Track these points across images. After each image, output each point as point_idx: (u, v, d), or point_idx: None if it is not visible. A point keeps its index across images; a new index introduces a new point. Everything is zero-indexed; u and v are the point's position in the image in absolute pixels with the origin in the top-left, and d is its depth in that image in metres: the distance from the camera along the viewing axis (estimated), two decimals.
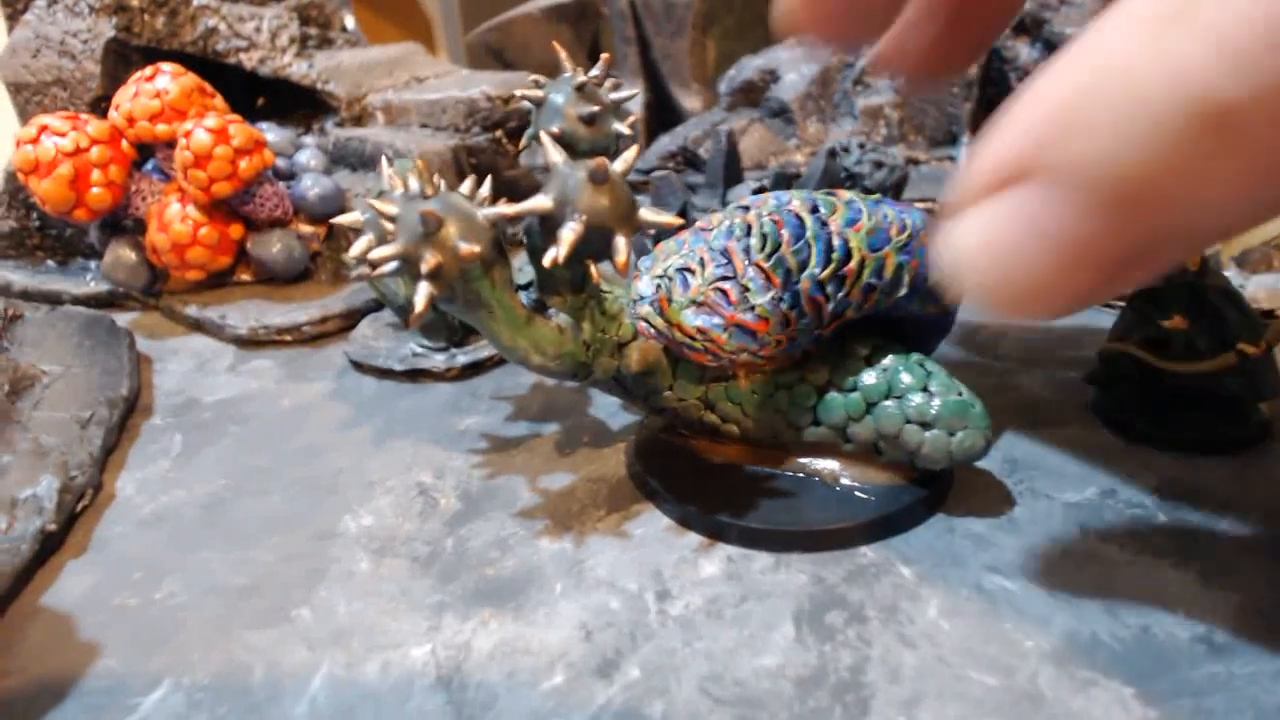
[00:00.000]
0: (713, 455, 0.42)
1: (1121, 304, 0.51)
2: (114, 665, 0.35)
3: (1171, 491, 0.39)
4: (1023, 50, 0.79)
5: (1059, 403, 0.47)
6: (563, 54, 0.44)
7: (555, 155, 0.33)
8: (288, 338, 0.60)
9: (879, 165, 0.62)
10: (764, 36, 1.01)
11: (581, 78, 0.43)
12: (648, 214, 0.34)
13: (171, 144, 0.60)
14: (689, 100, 0.97)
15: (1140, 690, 0.30)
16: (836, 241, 0.36)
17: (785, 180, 0.58)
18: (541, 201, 0.33)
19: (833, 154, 0.58)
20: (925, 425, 0.37)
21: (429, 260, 0.32)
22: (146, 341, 0.62)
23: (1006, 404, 0.47)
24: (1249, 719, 0.28)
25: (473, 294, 0.34)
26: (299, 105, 0.78)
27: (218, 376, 0.57)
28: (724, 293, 0.36)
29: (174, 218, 0.60)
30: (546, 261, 0.32)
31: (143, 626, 0.37)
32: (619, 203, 0.33)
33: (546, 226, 0.34)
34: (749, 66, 0.84)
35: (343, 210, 0.65)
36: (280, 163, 0.65)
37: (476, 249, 0.32)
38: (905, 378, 0.38)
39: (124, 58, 0.72)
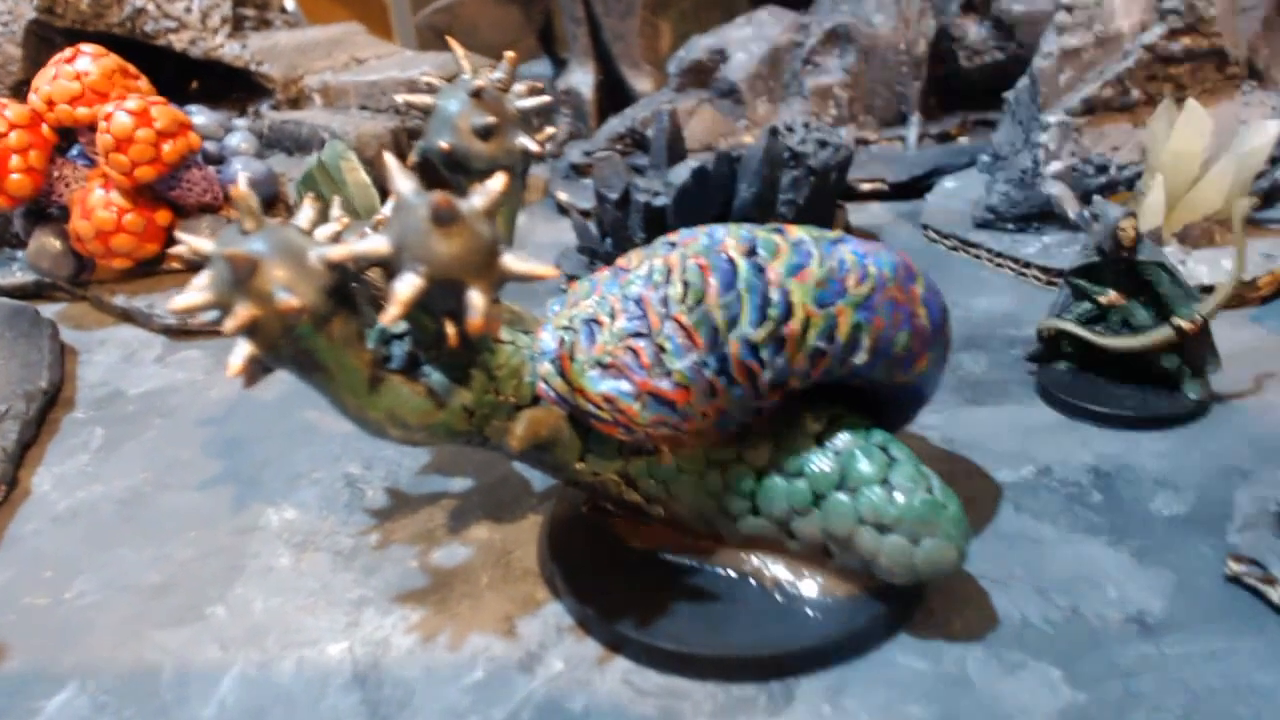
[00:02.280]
0: (635, 540, 0.35)
1: (1059, 281, 0.51)
2: (18, 667, 0.33)
3: (1107, 469, 0.39)
4: (971, 29, 0.79)
5: (998, 381, 0.47)
6: (458, 50, 0.38)
7: (400, 183, 0.26)
8: (219, 328, 0.58)
9: (823, 145, 0.61)
10: (721, 20, 0.99)
11: (479, 82, 0.36)
12: (513, 263, 0.27)
13: (93, 128, 0.58)
14: (640, 82, 0.96)
15: (1068, 672, 0.29)
16: (775, 294, 0.29)
17: (727, 161, 0.57)
18: (377, 244, 0.26)
19: (774, 133, 0.57)
20: (882, 529, 0.29)
21: (239, 314, 0.25)
22: (73, 333, 0.60)
23: (947, 384, 0.47)
24: (1180, 701, 0.28)
25: (303, 354, 0.27)
26: (233, 88, 0.76)
27: (144, 368, 0.55)
28: (635, 352, 0.29)
29: (97, 204, 0.58)
30: (382, 321, 0.26)
31: (51, 627, 0.35)
32: (471, 250, 0.26)
33: (387, 275, 0.27)
34: (698, 46, 0.83)
35: (276, 196, 0.63)
36: (210, 146, 0.63)
37: (297, 302, 0.25)
38: (863, 465, 0.30)
39: (47, 40, 0.69)
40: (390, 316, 0.26)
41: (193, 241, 0.27)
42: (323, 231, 0.29)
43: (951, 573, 0.30)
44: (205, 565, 0.38)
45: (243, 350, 0.26)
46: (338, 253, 0.26)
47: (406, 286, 0.26)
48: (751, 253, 0.30)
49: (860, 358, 0.30)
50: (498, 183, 0.27)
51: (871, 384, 0.32)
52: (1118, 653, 0.30)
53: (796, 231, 0.31)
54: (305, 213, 0.29)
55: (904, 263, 0.31)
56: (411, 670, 0.32)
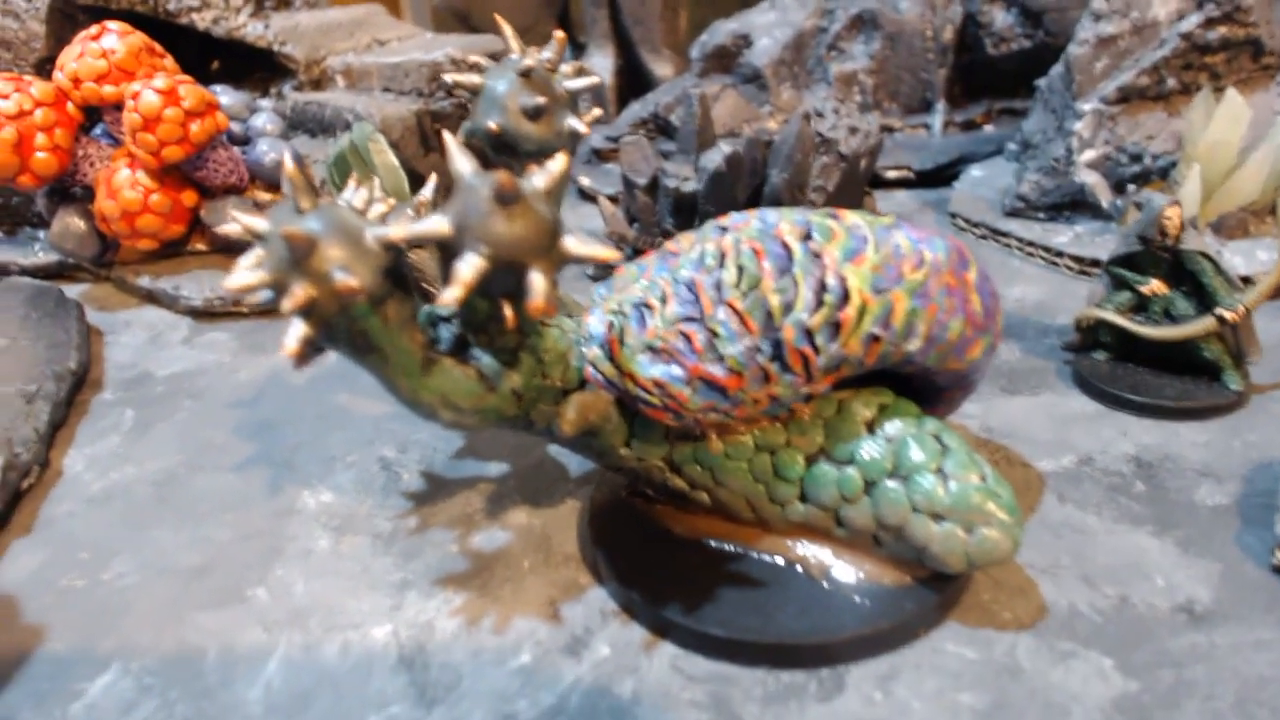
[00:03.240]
0: (678, 526, 0.34)
1: (1097, 270, 0.50)
2: (60, 649, 0.33)
3: (1149, 459, 0.39)
4: (998, 15, 0.78)
5: (1036, 370, 0.46)
6: (507, 30, 0.37)
7: (460, 164, 0.26)
8: (245, 309, 0.58)
9: (854, 130, 0.60)
10: (740, 5, 0.99)
11: (528, 62, 0.35)
12: (574, 245, 0.26)
13: (119, 106, 0.58)
14: (660, 67, 0.95)
15: (1120, 661, 0.29)
16: (831, 279, 0.28)
17: (759, 146, 0.56)
18: (438, 225, 0.25)
19: (807, 118, 0.57)
20: (936, 517, 0.29)
21: (296, 294, 0.25)
22: (98, 314, 0.60)
23: None
24: (1232, 690, 0.28)
25: (359, 335, 0.27)
26: (255, 68, 0.75)
27: (172, 349, 0.55)
28: (687, 337, 0.29)
29: (123, 184, 0.58)
30: (441, 302, 0.25)
31: (90, 608, 0.35)
32: (534, 231, 0.25)
33: (444, 256, 0.26)
34: (721, 31, 0.83)
35: None
36: (235, 127, 0.62)
37: (355, 281, 0.25)
38: (915, 453, 0.30)
39: (70, 17, 0.69)
40: (451, 298, 0.25)
41: (246, 220, 0.26)
42: (371, 212, 0.28)
43: (1006, 561, 0.29)
44: (244, 547, 0.38)
45: (298, 331, 0.26)
46: (397, 233, 0.26)
47: (469, 267, 0.25)
48: (807, 237, 0.30)
49: (914, 344, 0.29)
50: (559, 163, 0.27)
51: (923, 370, 0.31)
52: (1168, 642, 0.30)
53: (850, 216, 0.31)
54: (359, 193, 0.28)
55: (957, 249, 0.31)
56: (458, 653, 0.31)
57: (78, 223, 0.61)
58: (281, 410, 0.48)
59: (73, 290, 0.63)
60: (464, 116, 0.71)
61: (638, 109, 0.81)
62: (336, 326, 0.26)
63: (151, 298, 0.61)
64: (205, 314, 0.59)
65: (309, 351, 0.27)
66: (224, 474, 0.43)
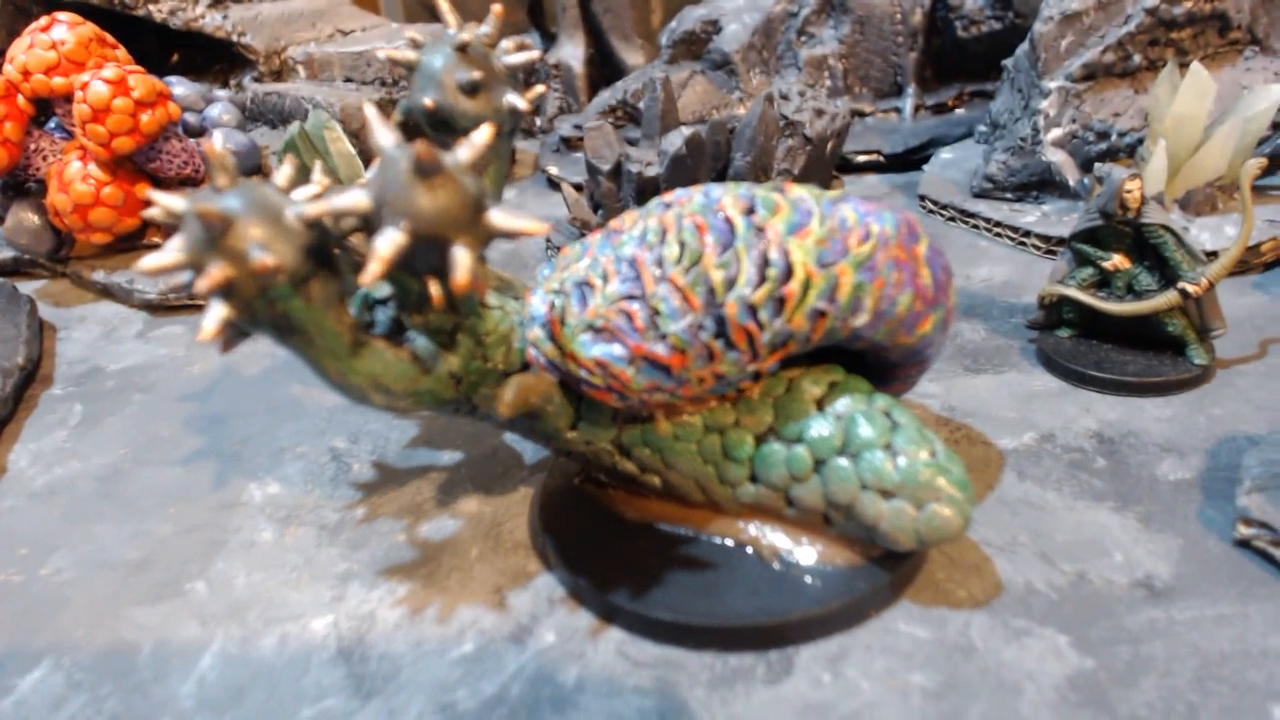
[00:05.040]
0: (629, 510, 0.34)
1: (1061, 247, 0.50)
2: None
3: (1111, 435, 0.38)
4: None
5: (1000, 349, 0.46)
6: (443, 5, 0.36)
7: (380, 136, 0.25)
8: (201, 302, 0.57)
9: (820, 113, 0.60)
10: None
11: (464, 36, 0.34)
12: (500, 219, 0.25)
13: (70, 98, 0.56)
14: (631, 55, 0.94)
15: (1076, 638, 0.28)
16: (774, 253, 0.28)
17: (722, 129, 0.56)
18: (357, 199, 0.24)
19: (770, 100, 0.56)
20: (885, 494, 0.29)
21: (212, 273, 0.24)
22: (52, 309, 0.59)
23: (946, 352, 0.46)
24: (1191, 666, 0.27)
25: (280, 316, 0.26)
26: (215, 61, 0.74)
27: (125, 344, 0.54)
28: (628, 315, 0.28)
29: (75, 177, 0.57)
30: (361, 281, 0.24)
31: (25, 604, 0.34)
32: (456, 204, 0.24)
33: (368, 232, 0.25)
34: (690, 17, 0.82)
35: (259, 169, 0.62)
36: (190, 118, 0.61)
37: (273, 260, 0.24)
38: (864, 429, 0.29)
39: (24, 10, 0.68)
40: (371, 275, 0.24)
41: (165, 200, 0.26)
42: (302, 192, 0.27)
43: (956, 538, 0.29)
44: (185, 541, 0.37)
45: (217, 313, 0.25)
46: (315, 209, 0.25)
47: (388, 243, 0.24)
48: (750, 211, 0.29)
49: (862, 319, 0.29)
50: (483, 134, 0.26)
51: (873, 346, 0.30)
52: (1126, 618, 0.29)
53: (796, 190, 0.30)
54: (283, 171, 0.27)
55: (907, 222, 0.30)
56: (399, 644, 0.31)
57: (31, 218, 0.60)
58: (233, 403, 0.47)
59: (29, 286, 0.62)
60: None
61: (607, 96, 0.80)
62: (257, 308, 0.25)
63: (107, 292, 0.60)
64: (160, 308, 0.58)
65: (230, 334, 0.26)
66: (169, 468, 0.42)
